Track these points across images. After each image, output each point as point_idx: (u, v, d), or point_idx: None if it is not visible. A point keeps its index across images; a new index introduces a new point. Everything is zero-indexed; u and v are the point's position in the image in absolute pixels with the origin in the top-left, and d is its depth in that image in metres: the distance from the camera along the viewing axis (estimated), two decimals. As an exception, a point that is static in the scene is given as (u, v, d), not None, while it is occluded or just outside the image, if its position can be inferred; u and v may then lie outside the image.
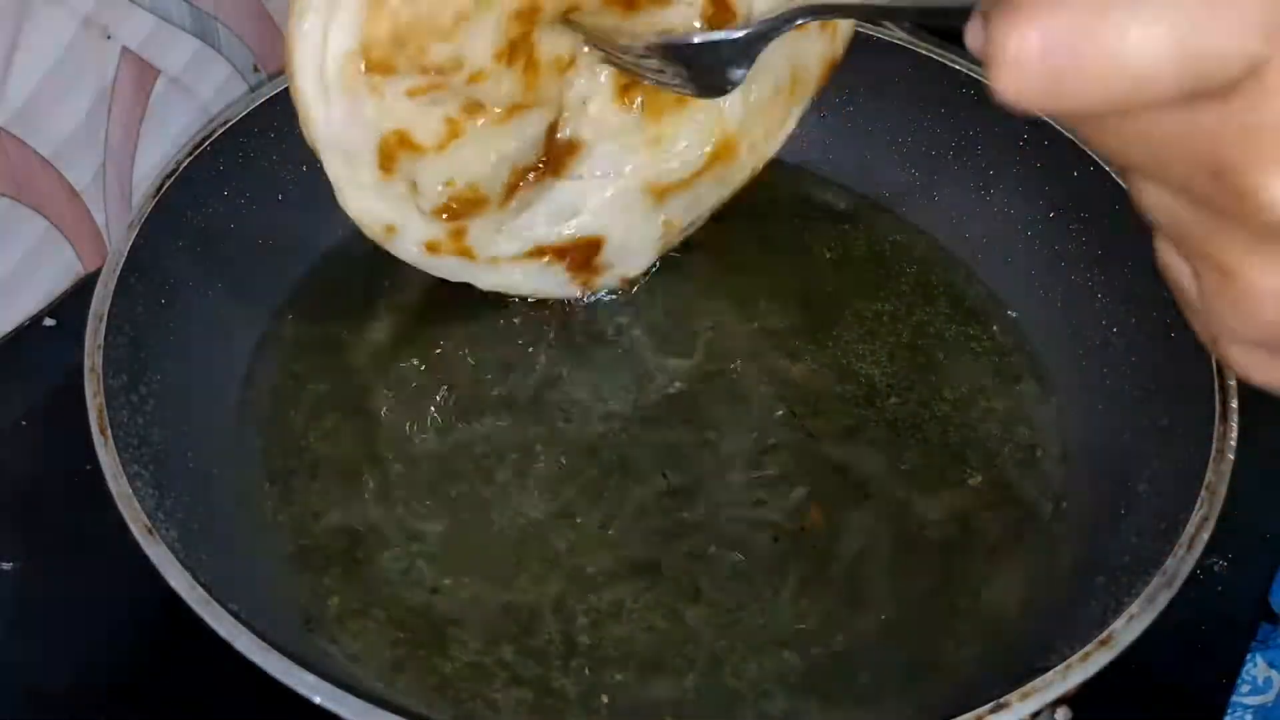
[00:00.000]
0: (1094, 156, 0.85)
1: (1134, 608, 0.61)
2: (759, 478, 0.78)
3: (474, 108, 0.69)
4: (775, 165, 0.99)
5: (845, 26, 0.80)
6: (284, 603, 0.70)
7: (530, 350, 0.85)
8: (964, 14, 0.35)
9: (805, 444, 0.80)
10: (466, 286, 0.83)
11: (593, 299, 0.87)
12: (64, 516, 0.79)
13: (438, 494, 0.76)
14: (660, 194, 0.81)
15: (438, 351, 0.85)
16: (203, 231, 0.83)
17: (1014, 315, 0.89)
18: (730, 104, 0.79)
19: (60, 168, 0.91)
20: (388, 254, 0.91)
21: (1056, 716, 0.68)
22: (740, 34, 0.65)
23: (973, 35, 0.35)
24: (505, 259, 0.81)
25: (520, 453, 0.78)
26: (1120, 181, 0.84)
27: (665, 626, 0.70)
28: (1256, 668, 1.05)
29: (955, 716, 0.57)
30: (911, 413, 0.82)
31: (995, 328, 0.88)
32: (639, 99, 0.76)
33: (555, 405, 0.81)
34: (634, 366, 0.85)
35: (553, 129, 0.74)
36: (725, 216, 0.90)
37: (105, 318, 0.72)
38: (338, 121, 0.67)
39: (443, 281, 0.83)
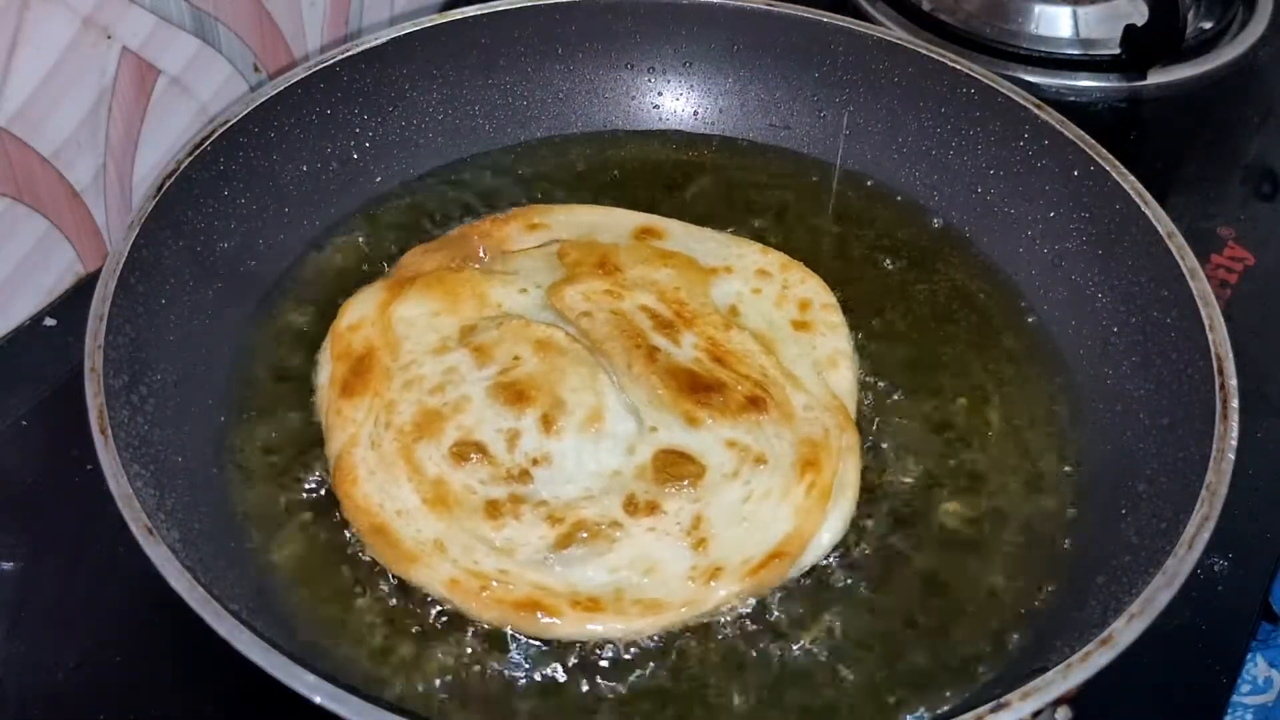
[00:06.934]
0: (1094, 156, 0.85)
1: (1134, 608, 0.61)
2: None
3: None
4: (778, 160, 1.00)
5: None
6: (284, 603, 0.70)
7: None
8: None
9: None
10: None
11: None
12: (64, 516, 0.79)
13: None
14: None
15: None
16: (203, 231, 0.84)
17: (1014, 314, 0.89)
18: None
19: (60, 168, 0.91)
20: (384, 252, 0.91)
21: (1057, 716, 0.68)
22: None
23: None
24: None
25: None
26: (1120, 181, 0.84)
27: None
28: (1256, 668, 1.05)
29: (956, 716, 0.57)
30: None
31: (994, 326, 0.88)
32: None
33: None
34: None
35: None
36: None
37: (105, 318, 0.72)
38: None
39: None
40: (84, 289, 0.95)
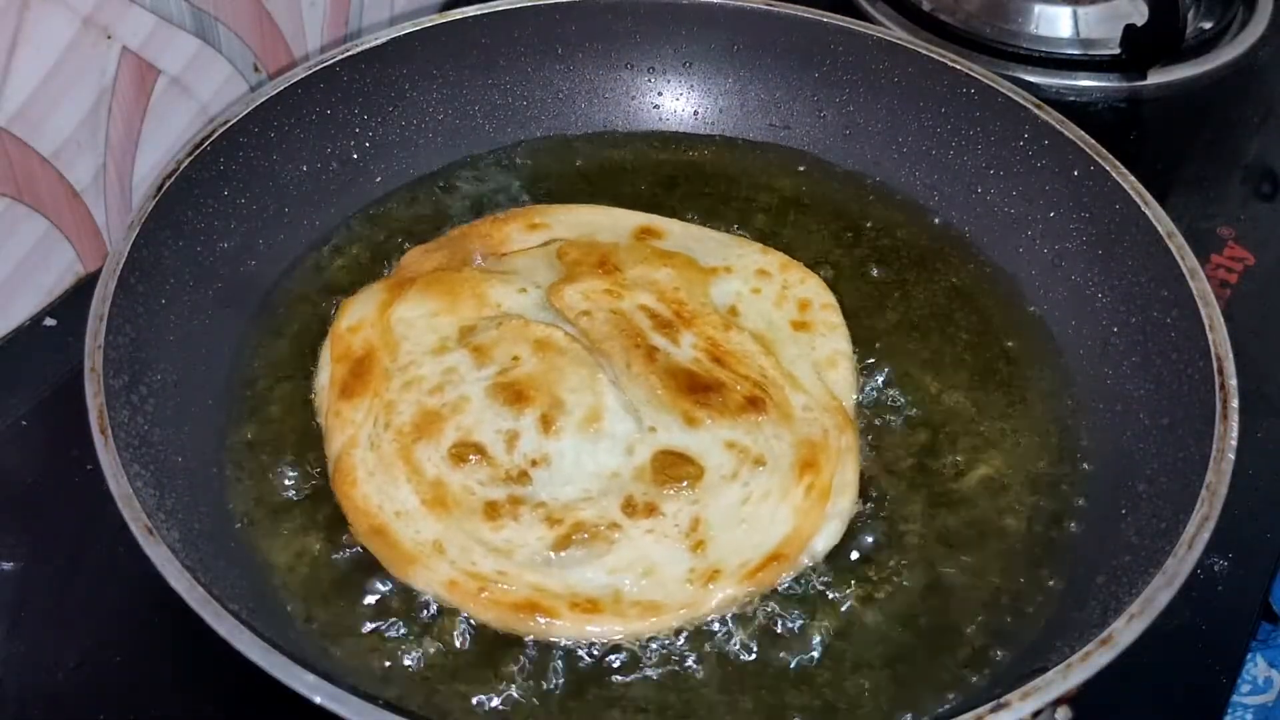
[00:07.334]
0: (1094, 156, 0.85)
1: (1134, 608, 0.61)
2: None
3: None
4: (778, 160, 1.01)
5: None
6: (284, 603, 0.70)
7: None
8: None
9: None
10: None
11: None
12: (64, 516, 0.79)
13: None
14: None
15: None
16: (203, 231, 0.83)
17: (1014, 314, 0.89)
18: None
19: (60, 168, 0.91)
20: (384, 252, 0.91)
21: (1057, 716, 0.68)
22: None
23: None
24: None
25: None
26: (1120, 181, 0.84)
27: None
28: (1256, 668, 1.05)
29: (956, 716, 0.57)
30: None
31: (994, 326, 0.88)
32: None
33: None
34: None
35: None
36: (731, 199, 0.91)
37: (105, 318, 0.72)
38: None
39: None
40: (84, 289, 0.95)
